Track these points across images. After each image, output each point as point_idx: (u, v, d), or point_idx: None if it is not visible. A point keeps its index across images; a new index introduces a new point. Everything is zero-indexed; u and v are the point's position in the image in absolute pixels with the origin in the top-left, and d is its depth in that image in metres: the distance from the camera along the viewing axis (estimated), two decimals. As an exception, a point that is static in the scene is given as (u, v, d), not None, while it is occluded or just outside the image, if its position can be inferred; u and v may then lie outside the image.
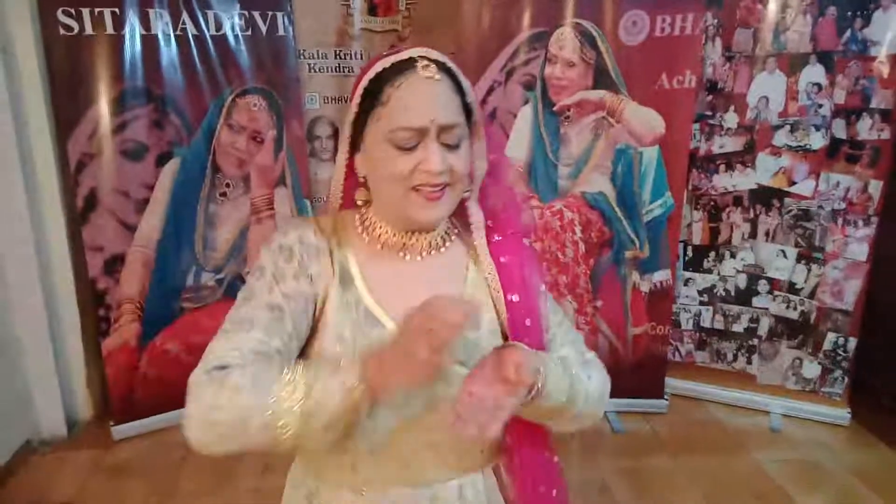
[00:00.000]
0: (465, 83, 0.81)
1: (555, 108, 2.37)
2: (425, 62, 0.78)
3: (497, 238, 0.87)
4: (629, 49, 2.30)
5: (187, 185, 2.41)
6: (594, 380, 0.86)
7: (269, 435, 0.70)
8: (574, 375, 0.82)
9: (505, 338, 0.83)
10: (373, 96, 0.79)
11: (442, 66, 0.79)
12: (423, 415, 0.80)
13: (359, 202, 0.86)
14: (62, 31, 2.15)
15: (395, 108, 0.77)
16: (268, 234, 2.44)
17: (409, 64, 0.78)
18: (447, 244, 0.87)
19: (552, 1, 2.28)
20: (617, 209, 2.46)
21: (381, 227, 0.84)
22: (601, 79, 2.33)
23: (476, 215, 0.87)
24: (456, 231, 0.89)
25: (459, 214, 0.88)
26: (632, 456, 2.37)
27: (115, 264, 2.34)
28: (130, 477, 2.23)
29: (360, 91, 0.80)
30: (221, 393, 0.71)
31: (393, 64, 0.78)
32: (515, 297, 0.84)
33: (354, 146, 0.84)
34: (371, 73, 0.79)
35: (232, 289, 2.55)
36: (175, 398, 2.53)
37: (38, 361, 2.35)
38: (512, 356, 0.73)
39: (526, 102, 2.39)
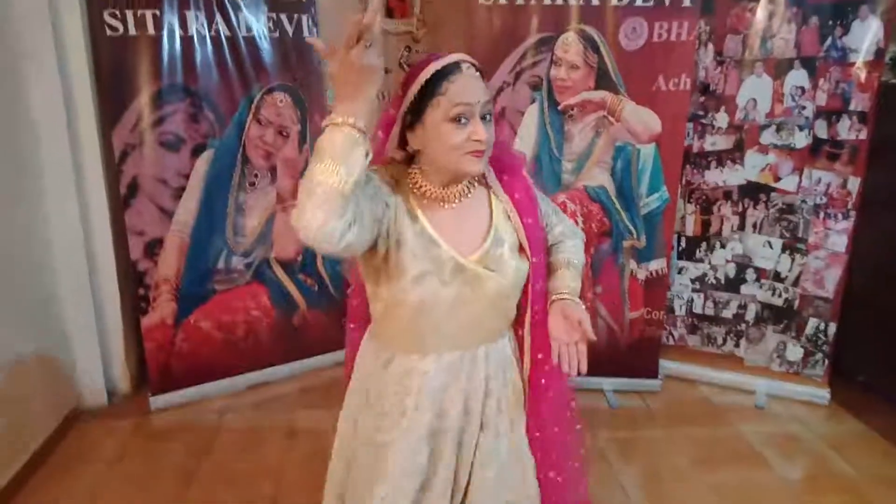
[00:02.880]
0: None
1: (559, 108, 2.50)
2: (467, 64, 1.09)
3: (506, 178, 1.21)
4: (629, 53, 2.44)
5: (219, 174, 2.57)
6: (579, 247, 1.28)
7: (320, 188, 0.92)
8: (578, 267, 1.24)
9: (521, 248, 1.18)
10: (431, 89, 1.07)
11: (476, 67, 1.10)
12: (468, 302, 1.13)
13: (397, 157, 1.17)
14: (108, 32, 2.29)
15: (454, 93, 1.06)
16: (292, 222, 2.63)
17: (457, 66, 1.08)
18: (471, 192, 1.17)
19: (558, 8, 2.41)
20: (616, 202, 2.61)
21: (426, 186, 1.14)
22: (602, 81, 2.46)
23: (488, 168, 1.20)
24: (476, 181, 1.19)
25: None
26: (626, 428, 2.54)
27: (154, 247, 2.50)
28: (169, 440, 2.40)
29: (417, 86, 1.08)
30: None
31: (444, 66, 1.07)
32: (530, 220, 1.19)
33: (409, 126, 1.11)
34: (427, 74, 1.07)
35: (259, 272, 2.73)
36: (207, 371, 2.76)
37: (82, 337, 2.51)
38: (576, 314, 1.11)
39: (533, 102, 2.52)
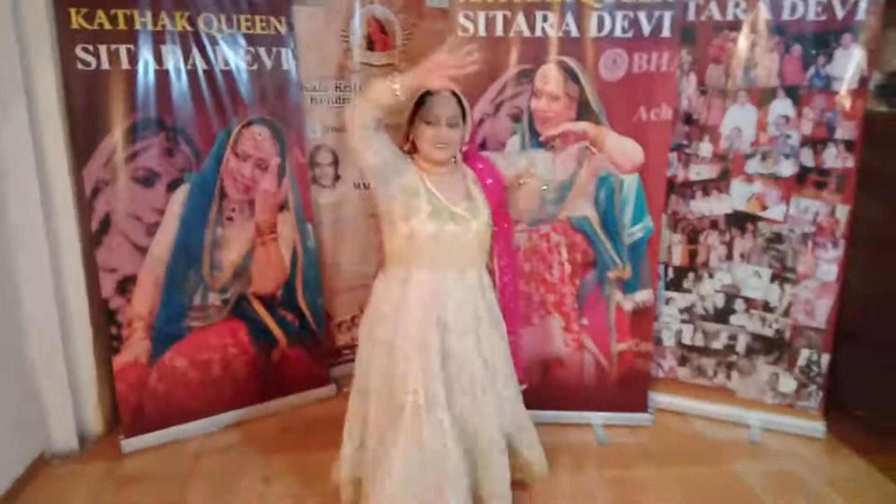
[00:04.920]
0: (463, 99, 1.75)
1: (541, 139, 2.48)
2: (446, 91, 1.68)
3: (471, 159, 1.88)
4: (609, 84, 2.43)
5: (196, 209, 2.53)
6: None
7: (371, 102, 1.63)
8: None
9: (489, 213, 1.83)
10: (420, 102, 1.71)
11: (452, 92, 1.69)
12: (460, 235, 1.74)
13: (406, 149, 1.81)
14: (80, 66, 2.26)
15: (429, 106, 1.71)
16: (271, 257, 2.60)
17: (437, 91, 1.69)
18: (452, 169, 1.81)
19: (537, 40, 2.40)
20: (600, 232, 2.58)
21: (423, 163, 1.78)
22: (584, 111, 2.45)
23: (465, 165, 1.87)
24: (455, 162, 1.82)
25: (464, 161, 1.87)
26: (617, 466, 2.46)
27: (126, 284, 2.44)
28: (139, 486, 2.31)
29: (413, 100, 1.71)
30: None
31: (429, 91, 1.69)
32: (490, 181, 1.86)
33: (410, 124, 1.77)
34: (418, 94, 1.70)
35: (238, 308, 2.67)
36: (182, 412, 2.68)
37: (52, 377, 2.43)
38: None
39: (514, 133, 2.50)
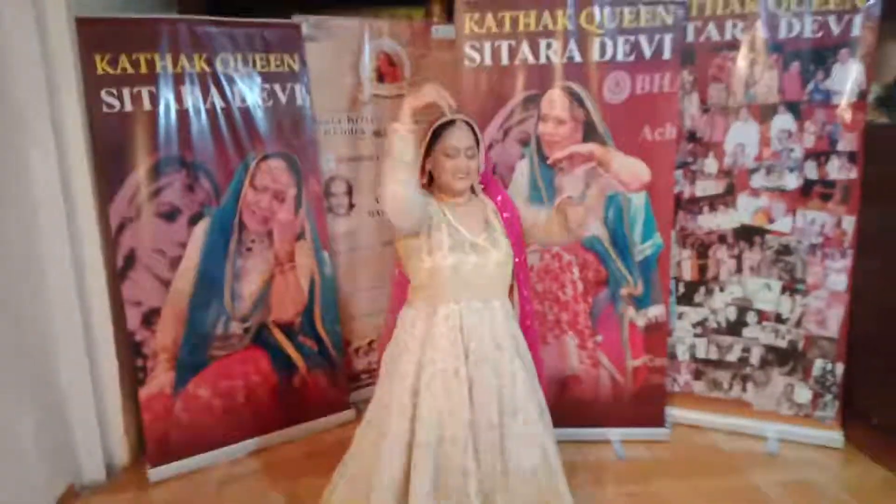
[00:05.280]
0: (477, 130, 1.78)
1: (549, 162, 2.55)
2: (460, 121, 1.74)
3: (490, 190, 1.90)
4: (613, 106, 2.49)
5: (216, 242, 2.60)
6: None
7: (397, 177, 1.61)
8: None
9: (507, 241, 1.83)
10: (436, 134, 1.74)
11: (466, 122, 1.75)
12: (481, 266, 1.74)
13: (423, 182, 1.80)
14: (105, 109, 2.37)
15: (447, 138, 1.73)
16: (290, 285, 2.66)
17: (452, 122, 1.74)
18: (471, 200, 1.83)
19: (542, 67, 2.48)
20: (611, 250, 2.63)
21: (441, 195, 1.80)
22: (590, 133, 2.51)
23: (484, 195, 1.90)
24: (473, 193, 1.85)
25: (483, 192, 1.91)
26: (636, 481, 2.48)
27: (151, 317, 2.51)
28: (168, 515, 2.37)
29: (430, 134, 1.74)
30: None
31: (445, 121, 1.73)
32: (507, 214, 1.86)
33: (426, 156, 1.77)
34: (435, 125, 1.74)
35: (258, 336, 2.74)
36: (207, 440, 2.73)
37: (80, 410, 2.49)
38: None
39: (522, 157, 2.57)
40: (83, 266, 2.48)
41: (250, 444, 2.75)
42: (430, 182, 1.83)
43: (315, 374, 2.89)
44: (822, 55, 2.48)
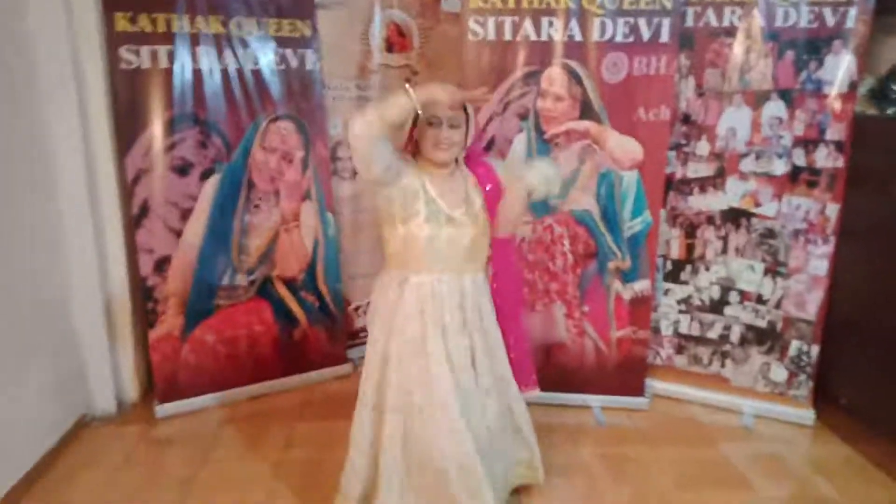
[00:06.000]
0: (468, 105, 1.77)
1: (546, 137, 2.64)
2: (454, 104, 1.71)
3: (472, 163, 1.89)
4: (611, 86, 2.57)
5: (226, 197, 2.73)
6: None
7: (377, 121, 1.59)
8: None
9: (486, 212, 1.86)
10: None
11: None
12: (456, 239, 1.77)
13: (409, 149, 1.83)
14: (123, 66, 2.48)
15: (432, 107, 1.68)
16: (294, 243, 2.80)
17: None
18: (455, 170, 1.83)
19: (542, 44, 2.56)
20: (601, 225, 2.72)
21: (424, 164, 1.80)
22: (586, 111, 2.59)
23: (462, 157, 1.87)
24: (456, 164, 1.85)
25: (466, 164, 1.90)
26: (612, 444, 2.60)
27: (163, 264, 2.66)
28: (170, 448, 2.54)
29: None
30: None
31: None
32: (489, 187, 1.87)
33: (413, 125, 1.77)
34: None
35: (263, 289, 2.89)
36: (210, 382, 2.92)
37: (94, 348, 2.66)
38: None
39: (520, 131, 2.65)
40: (101, 214, 2.63)
41: (251, 389, 2.93)
42: (417, 151, 1.84)
43: (315, 329, 3.04)
44: (816, 45, 2.54)
